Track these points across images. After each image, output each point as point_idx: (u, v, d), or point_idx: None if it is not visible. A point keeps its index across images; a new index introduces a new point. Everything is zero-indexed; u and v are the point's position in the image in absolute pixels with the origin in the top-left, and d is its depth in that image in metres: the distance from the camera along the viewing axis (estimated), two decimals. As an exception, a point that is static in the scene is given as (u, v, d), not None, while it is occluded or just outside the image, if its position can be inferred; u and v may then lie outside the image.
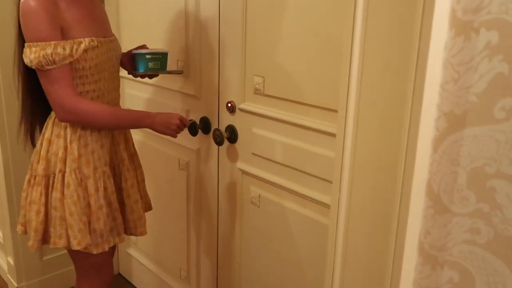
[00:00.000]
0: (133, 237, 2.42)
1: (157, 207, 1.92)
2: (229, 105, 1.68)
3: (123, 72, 1.74)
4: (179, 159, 2.01)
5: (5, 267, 2.49)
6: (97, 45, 1.44)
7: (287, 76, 1.46)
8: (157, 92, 2.05)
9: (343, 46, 0.92)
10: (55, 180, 1.46)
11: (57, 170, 1.45)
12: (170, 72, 1.79)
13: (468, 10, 0.73)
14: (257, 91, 1.58)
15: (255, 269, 1.75)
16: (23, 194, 1.53)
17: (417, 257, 0.86)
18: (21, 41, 1.40)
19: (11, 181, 2.20)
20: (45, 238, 1.51)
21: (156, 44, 1.92)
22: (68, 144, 1.46)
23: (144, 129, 1.61)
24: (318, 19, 1.33)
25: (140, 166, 1.72)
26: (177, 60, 1.87)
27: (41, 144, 1.50)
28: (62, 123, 1.46)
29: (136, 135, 2.04)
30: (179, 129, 1.56)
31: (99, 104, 1.48)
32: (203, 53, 1.76)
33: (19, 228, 1.57)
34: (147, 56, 1.63)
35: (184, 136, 1.81)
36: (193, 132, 1.83)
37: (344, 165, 0.96)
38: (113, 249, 1.81)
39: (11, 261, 2.37)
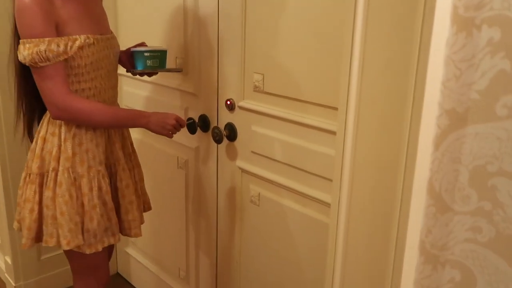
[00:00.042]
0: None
1: (155, 206, 1.92)
2: (228, 102, 1.67)
3: (121, 70, 1.74)
4: (177, 158, 2.01)
5: (2, 266, 2.50)
6: (93, 43, 1.43)
7: (287, 73, 1.45)
8: (155, 89, 2.05)
9: (343, 43, 0.92)
10: (48, 178, 1.46)
11: (51, 169, 1.45)
12: (169, 70, 1.79)
13: (470, 6, 0.73)
14: (256, 89, 1.57)
15: (254, 269, 1.75)
16: (19, 192, 1.53)
17: (418, 256, 0.86)
18: (17, 38, 1.40)
19: (8, 178, 2.20)
20: (39, 236, 1.51)
21: (154, 41, 1.92)
22: (62, 143, 1.46)
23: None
24: (318, 15, 1.33)
25: (138, 165, 1.72)
26: (176, 57, 1.87)
27: (36, 142, 1.50)
28: (57, 121, 1.46)
29: (135, 133, 2.03)
30: (175, 129, 1.56)
31: (93, 102, 1.47)
32: (202, 50, 1.75)
33: (15, 224, 1.57)
34: (146, 54, 1.63)
35: (183, 134, 1.81)
36: (192, 130, 1.83)
37: (344, 163, 0.96)
38: (110, 249, 1.81)
39: (8, 260, 2.37)
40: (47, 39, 1.34)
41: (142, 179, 1.74)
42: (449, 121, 0.78)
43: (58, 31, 1.37)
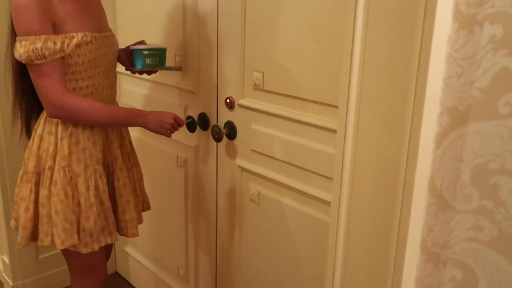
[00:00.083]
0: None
1: (154, 204, 1.92)
2: (228, 101, 1.67)
3: (120, 68, 1.74)
4: (177, 156, 2.01)
5: (0, 266, 2.50)
6: (91, 40, 1.43)
7: (287, 71, 1.45)
8: (154, 87, 2.05)
9: (344, 40, 0.92)
10: (44, 177, 1.46)
11: (47, 167, 1.45)
12: (169, 68, 1.79)
13: (471, 3, 0.73)
14: (256, 87, 1.57)
15: (254, 268, 1.75)
16: (16, 190, 1.54)
17: (419, 254, 0.86)
18: (14, 35, 1.40)
19: (5, 177, 2.20)
20: (35, 235, 1.51)
21: (153, 39, 1.91)
22: (59, 141, 1.46)
23: (141, 125, 1.61)
24: (319, 12, 1.33)
25: (137, 164, 1.72)
26: (175, 55, 1.87)
27: (33, 140, 1.50)
28: (54, 119, 1.46)
29: (133, 131, 2.03)
30: (174, 128, 1.56)
31: (91, 100, 1.47)
32: (201, 48, 1.75)
33: (12, 223, 1.58)
34: (145, 52, 1.62)
35: (182, 132, 1.81)
36: (191, 129, 1.83)
37: (345, 161, 0.96)
38: (109, 248, 1.81)
39: (6, 259, 2.37)
40: (43, 36, 1.34)
41: (141, 179, 1.74)
42: (450, 119, 0.78)
43: (56, 28, 1.37)
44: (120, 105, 1.75)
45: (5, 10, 1.43)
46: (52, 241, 1.47)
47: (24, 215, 1.48)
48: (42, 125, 1.49)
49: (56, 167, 1.45)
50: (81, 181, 1.47)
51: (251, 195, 1.68)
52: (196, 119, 1.82)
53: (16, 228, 1.55)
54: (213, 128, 1.74)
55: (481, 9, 0.72)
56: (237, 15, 1.57)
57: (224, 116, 1.72)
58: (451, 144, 0.79)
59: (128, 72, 1.76)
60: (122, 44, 1.72)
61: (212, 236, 1.92)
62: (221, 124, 1.73)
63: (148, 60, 1.63)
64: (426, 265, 0.86)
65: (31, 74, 1.40)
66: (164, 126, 1.53)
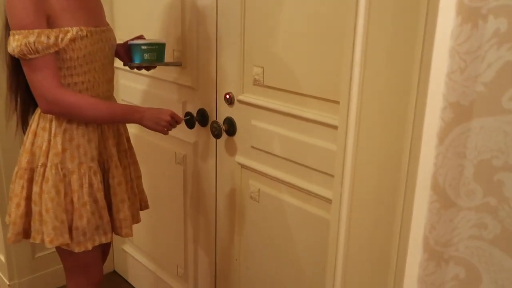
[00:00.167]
0: (128, 234, 2.43)
1: (153, 202, 1.92)
2: (227, 96, 1.67)
3: (117, 63, 1.74)
4: (175, 153, 2.01)
5: (-4, 264, 2.50)
6: (86, 35, 1.43)
7: (288, 66, 1.45)
8: (153, 83, 2.05)
9: (345, 34, 0.92)
10: (37, 174, 1.46)
11: (40, 164, 1.45)
12: (167, 64, 1.78)
13: (475, -4, 0.73)
14: (256, 82, 1.57)
15: (254, 266, 1.75)
16: (11, 186, 1.54)
17: (421, 253, 0.86)
18: (9, 29, 1.39)
19: (0, 173, 2.20)
20: (28, 232, 1.51)
21: (150, 33, 1.91)
22: (52, 138, 1.46)
23: (139, 121, 1.61)
24: (319, 6, 1.33)
25: (135, 162, 1.71)
26: (173, 50, 1.86)
27: (27, 136, 1.50)
28: (48, 115, 1.46)
29: (131, 128, 2.03)
30: (171, 126, 1.55)
31: (85, 96, 1.47)
32: (200, 43, 1.75)
33: (7, 218, 1.58)
34: (143, 47, 1.62)
35: (181, 129, 1.81)
36: (190, 125, 1.82)
37: (346, 158, 0.96)
38: (106, 248, 1.81)
39: (2, 258, 2.37)
40: (36, 30, 1.34)
41: (139, 177, 1.73)
42: (453, 114, 0.78)
43: (50, 23, 1.37)
44: (118, 101, 1.75)
45: (1, 4, 1.43)
46: (43, 239, 1.47)
47: (14, 212, 1.49)
48: (36, 121, 1.49)
49: (49, 164, 1.45)
50: (74, 179, 1.46)
51: (251, 192, 1.68)
52: (195, 115, 1.81)
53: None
54: (212, 124, 1.74)
55: (485, 2, 0.72)
56: (236, 9, 1.57)
57: (224, 112, 1.72)
58: (454, 140, 0.79)
59: (126, 67, 1.76)
60: (119, 39, 1.72)
61: (212, 234, 1.92)
62: (221, 120, 1.73)
63: (146, 55, 1.63)
64: (429, 263, 0.86)
65: (24, 69, 1.40)
66: (161, 123, 1.53)
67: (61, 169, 1.45)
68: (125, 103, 2.15)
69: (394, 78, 0.85)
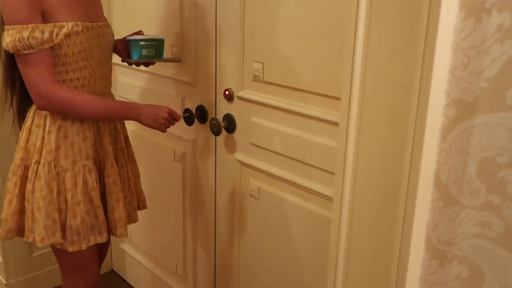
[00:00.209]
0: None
1: (151, 200, 1.92)
2: (227, 93, 1.67)
3: (115, 58, 1.73)
4: (174, 150, 2.01)
5: (-7, 264, 2.50)
6: (82, 30, 1.42)
7: (288, 62, 1.45)
8: (151, 79, 2.04)
9: (346, 29, 0.92)
10: (30, 171, 1.46)
11: (33, 161, 1.45)
12: (166, 60, 1.78)
13: (479, -10, 0.72)
14: (256, 78, 1.57)
15: (254, 265, 1.75)
16: (7, 183, 1.53)
17: (424, 252, 0.86)
18: (3, 24, 1.39)
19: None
20: (22, 230, 1.52)
21: (148, 28, 1.91)
22: (46, 135, 1.45)
23: (137, 118, 1.60)
24: (320, 1, 1.32)
25: (133, 161, 1.71)
26: (172, 45, 1.86)
27: (22, 133, 1.51)
28: (43, 112, 1.46)
29: (129, 125, 2.03)
30: (169, 123, 1.55)
31: (81, 93, 1.46)
32: (199, 38, 1.75)
33: (2, 213, 1.58)
34: (141, 43, 1.62)
35: (180, 126, 1.81)
36: (189, 122, 1.82)
37: (347, 155, 0.96)
38: (104, 248, 1.81)
39: (-1, 257, 2.38)
40: (30, 25, 1.33)
41: (137, 176, 1.73)
42: (456, 111, 0.78)
43: (45, 18, 1.36)
44: (115, 98, 1.75)
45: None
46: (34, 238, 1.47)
47: (6, 208, 1.49)
48: (31, 118, 1.49)
49: (42, 162, 1.44)
50: (68, 177, 1.46)
51: (251, 191, 1.68)
52: (194, 112, 1.81)
53: None
54: (212, 121, 1.74)
55: (489, -4, 0.72)
56: (236, 3, 1.57)
57: (223, 108, 1.72)
58: (457, 137, 0.78)
59: (124, 64, 1.76)
60: (117, 35, 1.71)
61: (211, 233, 1.92)
62: (220, 117, 1.73)
63: (144, 51, 1.62)
64: (431, 263, 0.86)
65: (19, 65, 1.40)
66: (158, 121, 1.52)
67: (55, 167, 1.45)
68: (123, 100, 2.15)
69: (396, 74, 0.85)
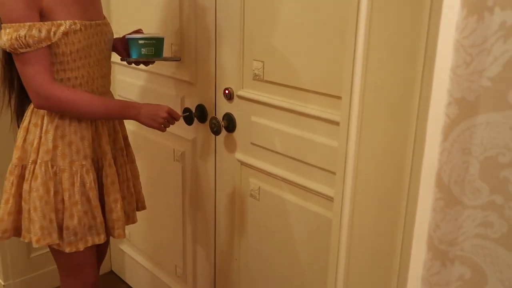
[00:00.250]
0: (126, 232, 2.43)
1: (150, 200, 1.92)
2: (227, 92, 1.67)
3: (113, 57, 1.73)
4: (174, 150, 2.01)
5: (-9, 265, 2.50)
6: (80, 29, 1.42)
7: (289, 60, 1.45)
8: (150, 78, 2.04)
9: (347, 28, 0.92)
10: (27, 171, 1.46)
11: (31, 161, 1.45)
12: (166, 59, 1.77)
13: (481, -13, 0.72)
14: (256, 77, 1.57)
15: (254, 265, 1.75)
16: (4, 182, 1.53)
17: (426, 252, 0.86)
18: (1, 23, 1.39)
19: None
20: (20, 230, 1.51)
21: (147, 26, 1.91)
22: (43, 134, 1.45)
23: (136, 117, 1.60)
24: (321, -1, 1.32)
25: (132, 161, 1.71)
26: (171, 44, 1.86)
27: (20, 132, 1.51)
28: (40, 111, 1.46)
29: (128, 124, 2.03)
30: (168, 122, 1.54)
31: (79, 91, 1.46)
32: (199, 36, 1.74)
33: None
34: (140, 42, 1.61)
35: (179, 125, 1.80)
36: (189, 121, 1.82)
37: (348, 155, 0.96)
38: (103, 248, 1.81)
39: (-3, 258, 2.38)
40: (27, 24, 1.33)
41: (136, 176, 1.73)
42: (458, 110, 0.77)
43: (43, 16, 1.36)
44: (114, 97, 1.75)
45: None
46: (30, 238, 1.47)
47: (3, 208, 1.49)
48: (28, 117, 1.49)
49: (39, 161, 1.44)
50: (65, 177, 1.46)
51: (251, 190, 1.68)
52: (194, 111, 1.81)
53: None
54: (211, 121, 1.74)
55: (491, -6, 0.71)
56: (236, 1, 1.56)
57: (223, 107, 1.72)
58: (459, 136, 0.78)
59: (124, 62, 1.76)
60: (116, 33, 1.71)
61: (211, 233, 1.92)
62: (220, 116, 1.73)
63: (144, 50, 1.62)
64: (433, 263, 0.86)
65: (16, 63, 1.40)
66: (157, 120, 1.52)
67: (52, 166, 1.45)
68: (122, 99, 2.15)
69: (397, 73, 0.85)
